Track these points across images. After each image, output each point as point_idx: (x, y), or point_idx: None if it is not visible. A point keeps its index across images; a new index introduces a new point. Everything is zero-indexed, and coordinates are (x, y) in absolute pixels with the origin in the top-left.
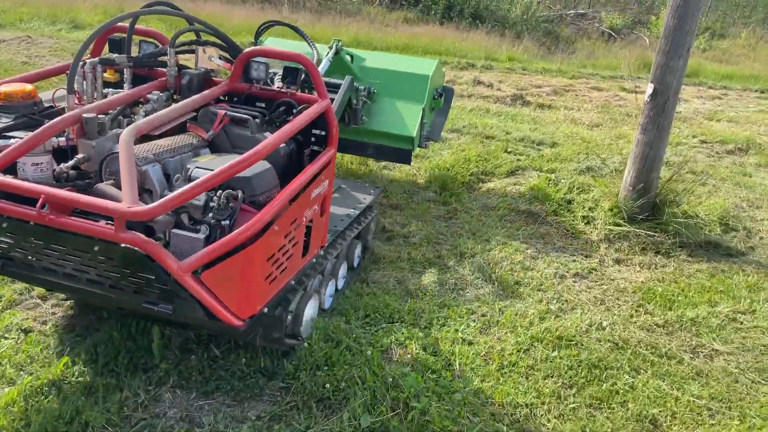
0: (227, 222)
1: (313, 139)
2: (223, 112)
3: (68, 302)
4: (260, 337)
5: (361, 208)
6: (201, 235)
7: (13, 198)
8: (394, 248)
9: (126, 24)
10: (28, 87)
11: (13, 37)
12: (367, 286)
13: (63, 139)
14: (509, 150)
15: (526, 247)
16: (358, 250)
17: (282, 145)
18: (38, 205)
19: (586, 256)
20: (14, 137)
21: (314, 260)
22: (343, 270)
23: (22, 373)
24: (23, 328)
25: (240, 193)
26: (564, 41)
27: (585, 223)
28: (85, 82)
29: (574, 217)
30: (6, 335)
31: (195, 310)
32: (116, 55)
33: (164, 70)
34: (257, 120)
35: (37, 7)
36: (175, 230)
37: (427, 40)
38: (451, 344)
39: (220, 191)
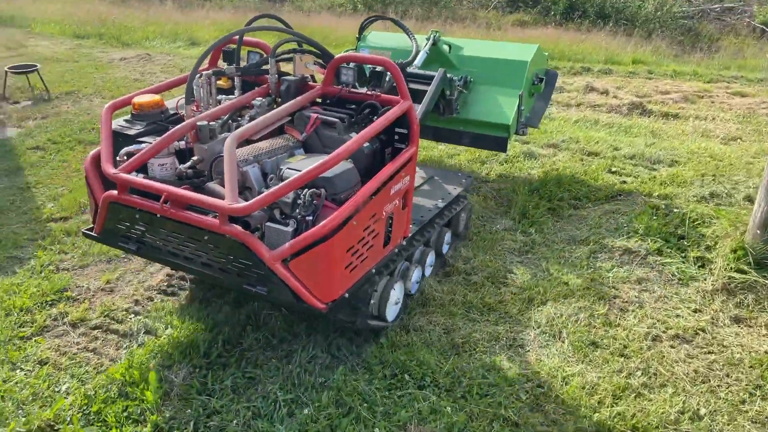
0: (311, 217)
1: (396, 137)
2: (315, 116)
3: (95, 331)
4: (345, 318)
5: (450, 198)
6: (289, 229)
7: (144, 194)
8: (450, 288)
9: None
10: (156, 98)
11: (134, 55)
12: (406, 334)
13: (183, 142)
14: (614, 169)
15: (614, 294)
16: (447, 238)
17: (366, 145)
18: (161, 200)
19: (695, 311)
20: (145, 142)
21: (397, 249)
22: (430, 258)
23: (19, 412)
24: (41, 359)
25: (323, 192)
26: (705, 39)
27: (698, 267)
28: (201, 90)
29: (684, 258)
30: (22, 366)
31: (285, 293)
32: (227, 66)
33: (267, 77)
34: (344, 122)
35: (161, 26)
36: (268, 223)
37: (539, 43)
38: (488, 424)
39: (305, 190)
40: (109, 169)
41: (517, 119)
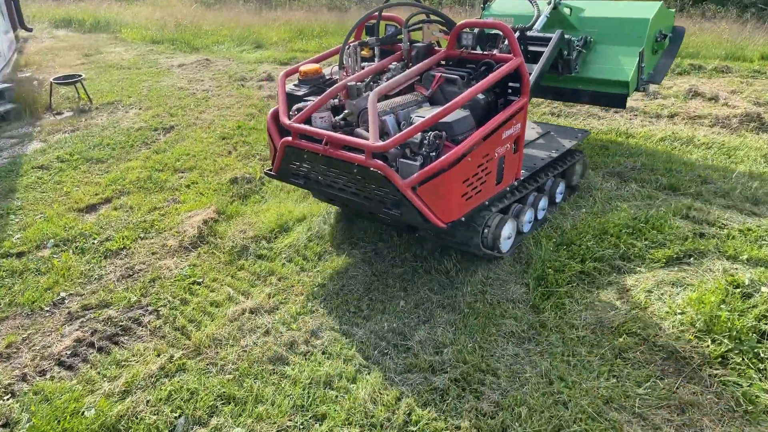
0: (434, 154)
1: (509, 91)
2: (438, 74)
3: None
4: (463, 242)
5: (563, 150)
6: (417, 163)
7: (309, 139)
8: (399, 391)
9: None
10: (316, 66)
11: (194, 61)
12: None
13: (337, 101)
14: (693, 214)
15: (642, 427)
16: (560, 188)
17: (482, 96)
18: (323, 142)
19: None
20: (310, 100)
21: (509, 189)
22: (543, 203)
23: None
24: None
25: (444, 134)
26: None
27: None
28: (349, 59)
29: (762, 374)
30: None
31: (414, 214)
32: (369, 37)
33: (401, 45)
34: (464, 79)
35: (232, 29)
36: (401, 159)
37: None
38: None
39: (430, 132)
40: (285, 120)
41: (638, 76)
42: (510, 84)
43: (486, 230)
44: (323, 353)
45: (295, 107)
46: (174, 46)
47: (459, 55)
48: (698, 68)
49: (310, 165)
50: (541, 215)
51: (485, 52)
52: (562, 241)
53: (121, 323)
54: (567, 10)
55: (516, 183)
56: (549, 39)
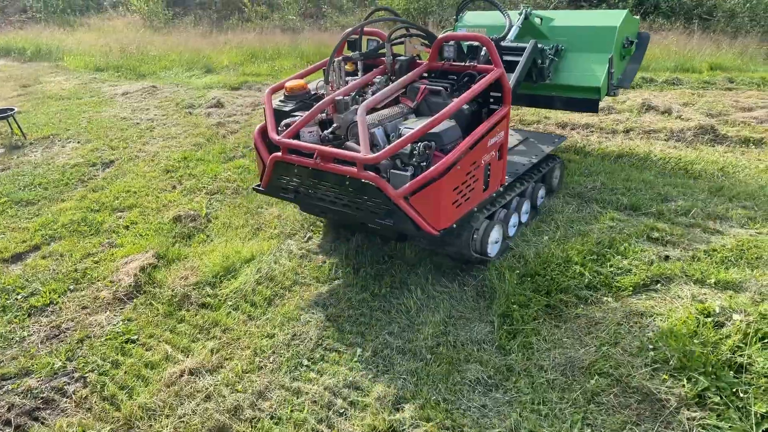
0: (425, 164)
1: (491, 100)
2: (423, 86)
3: None
4: (455, 249)
5: (543, 155)
6: (408, 173)
7: (298, 153)
8: None
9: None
10: (302, 82)
11: (139, 88)
12: None
13: (324, 115)
14: (656, 235)
15: None
16: (541, 192)
17: (466, 106)
18: (314, 156)
19: None
20: (297, 115)
21: (495, 195)
22: (526, 206)
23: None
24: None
25: (433, 144)
26: None
27: None
28: (334, 73)
29: (742, 414)
30: None
31: (406, 223)
32: (352, 53)
33: (384, 59)
34: (447, 90)
35: (179, 54)
36: (392, 170)
37: None
38: None
39: (419, 143)
40: (274, 136)
41: (608, 81)
42: (492, 93)
43: (475, 235)
44: (272, 418)
45: (283, 123)
46: (119, 74)
47: (441, 67)
48: (650, 81)
49: (300, 179)
50: (525, 218)
51: (467, 64)
52: (526, 272)
53: (42, 395)
54: (538, 20)
55: (501, 189)
56: (523, 49)
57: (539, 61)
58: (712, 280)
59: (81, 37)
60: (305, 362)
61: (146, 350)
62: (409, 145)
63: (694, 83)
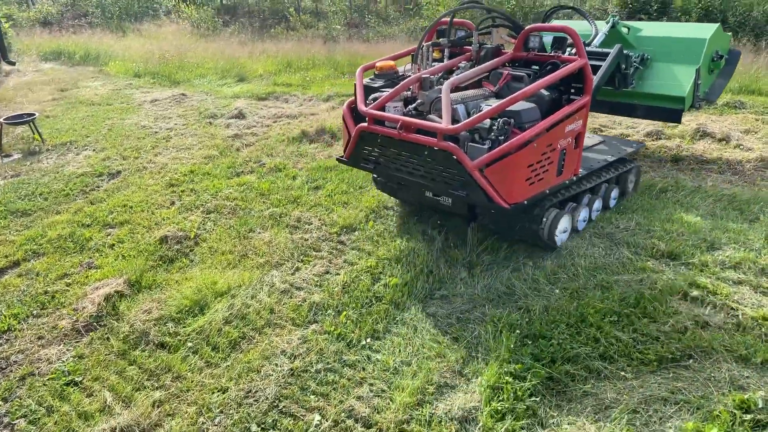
0: (503, 138)
1: (573, 90)
2: (506, 71)
3: None
4: (525, 228)
5: (618, 156)
6: (485, 146)
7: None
8: None
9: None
10: (392, 63)
11: (168, 96)
12: None
13: (409, 93)
14: (695, 293)
15: None
16: (614, 193)
17: (547, 93)
18: (398, 126)
19: None
20: (385, 91)
21: (568, 183)
22: (597, 204)
23: None
24: None
25: (512, 120)
26: None
27: None
28: (422, 57)
29: None
30: None
31: (479, 195)
32: (441, 39)
33: (470, 48)
34: (530, 76)
35: (215, 62)
36: (470, 143)
37: None
38: None
39: (499, 119)
40: (363, 107)
41: (694, 93)
42: (573, 85)
43: (544, 221)
44: None
45: (371, 97)
46: (154, 80)
47: (526, 56)
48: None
49: (382, 149)
50: (594, 215)
51: (552, 53)
52: (529, 332)
53: None
54: (625, 30)
55: (575, 178)
56: (607, 54)
57: (623, 67)
58: (759, 360)
59: (129, 42)
60: (254, 428)
61: (86, 396)
62: (489, 120)
63: (758, 107)
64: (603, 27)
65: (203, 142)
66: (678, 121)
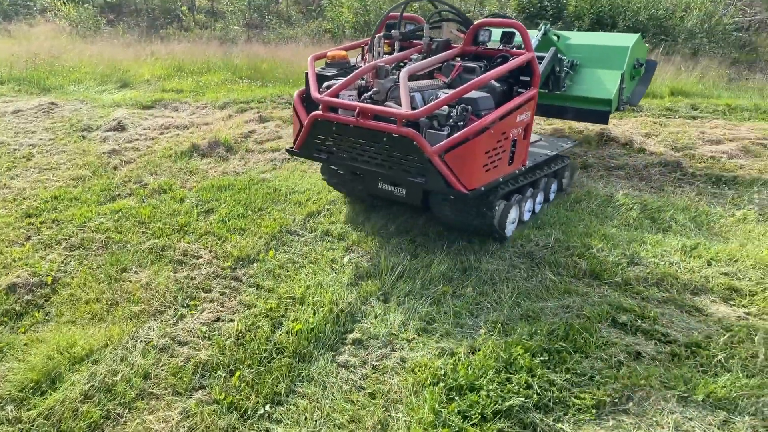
0: (461, 124)
1: (520, 83)
2: (459, 63)
3: None
4: (478, 218)
5: (556, 151)
6: (444, 133)
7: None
8: None
9: (397, 13)
10: (344, 52)
11: (34, 106)
12: None
13: (363, 82)
14: (624, 319)
15: None
16: (554, 187)
17: (498, 85)
18: (356, 113)
19: None
20: (339, 79)
21: (517, 172)
22: (540, 197)
23: None
24: None
25: (470, 107)
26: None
27: None
28: (373, 50)
29: None
30: None
31: (438, 181)
32: (393, 31)
33: (420, 42)
34: (481, 68)
35: (94, 65)
36: (429, 130)
37: None
38: None
39: (457, 106)
40: (317, 95)
41: (619, 96)
42: (522, 78)
43: (495, 211)
44: None
45: (324, 85)
46: (20, 88)
47: (475, 51)
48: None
49: (337, 138)
50: (537, 209)
51: (500, 48)
52: (455, 383)
53: None
54: (555, 37)
55: (523, 168)
56: (543, 57)
57: (557, 69)
58: (699, 397)
59: None
60: None
61: None
62: (447, 107)
63: (655, 110)
64: (536, 34)
65: (73, 161)
66: (605, 122)
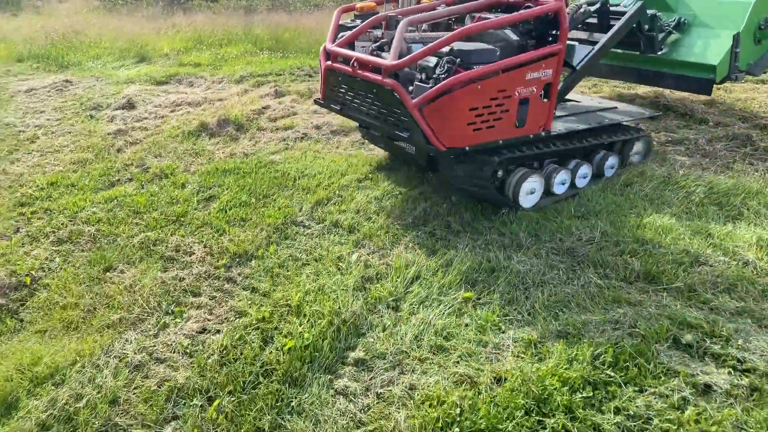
0: (444, 76)
1: (550, 39)
2: (478, 15)
3: None
4: (470, 179)
5: (617, 121)
6: (429, 85)
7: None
8: None
9: None
10: (372, 3)
11: (48, 84)
12: None
13: (380, 32)
14: (688, 339)
15: None
16: (611, 161)
17: (516, 38)
18: (351, 63)
19: None
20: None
21: (532, 137)
22: (584, 170)
23: None
24: None
25: (458, 60)
26: None
27: None
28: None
29: None
30: None
31: (419, 135)
32: None
33: None
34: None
35: (113, 41)
36: (416, 83)
37: None
38: None
39: (445, 57)
40: (329, 45)
41: (730, 62)
42: (553, 33)
43: (500, 175)
44: None
45: (340, 35)
46: (39, 65)
47: (506, 2)
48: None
49: (344, 88)
50: (581, 183)
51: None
52: (473, 429)
53: None
54: None
55: (544, 134)
56: (622, 10)
57: (646, 27)
58: None
59: (21, 23)
60: None
61: None
62: (435, 58)
63: None
64: None
65: (77, 142)
66: (708, 93)
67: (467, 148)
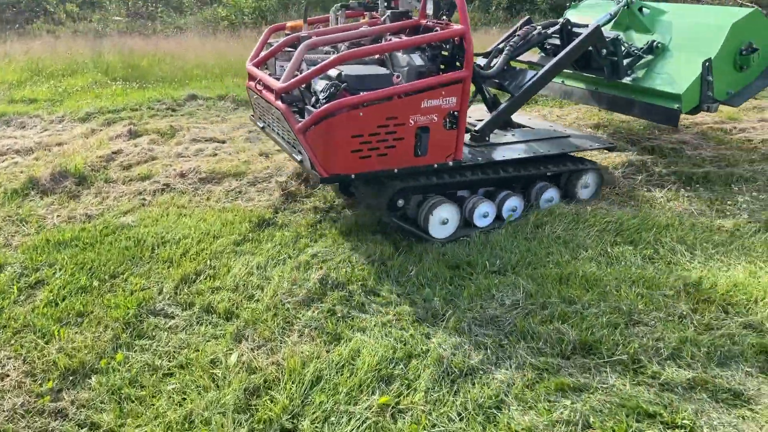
0: (324, 102)
1: (457, 64)
2: (391, 38)
3: None
4: (371, 205)
5: (561, 152)
6: (315, 109)
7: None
8: None
9: None
10: (300, 22)
11: None
12: None
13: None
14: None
15: None
16: (550, 194)
17: (420, 63)
18: (255, 82)
19: None
20: (289, 50)
21: (436, 166)
22: (512, 201)
23: None
24: None
25: (342, 85)
26: None
27: None
28: (335, 19)
29: None
30: None
31: (307, 161)
32: (351, 1)
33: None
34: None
35: None
36: (307, 107)
37: None
38: None
39: (329, 82)
40: (248, 64)
41: (702, 91)
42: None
43: (400, 204)
44: None
45: (262, 54)
46: None
47: (424, 24)
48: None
49: (261, 108)
50: (506, 215)
51: (439, 20)
52: None
53: None
54: (646, 11)
55: (451, 164)
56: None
57: (604, 52)
58: None
59: None
60: None
61: None
62: (325, 83)
63: None
64: (613, 6)
65: None
66: (675, 124)
67: (353, 175)
